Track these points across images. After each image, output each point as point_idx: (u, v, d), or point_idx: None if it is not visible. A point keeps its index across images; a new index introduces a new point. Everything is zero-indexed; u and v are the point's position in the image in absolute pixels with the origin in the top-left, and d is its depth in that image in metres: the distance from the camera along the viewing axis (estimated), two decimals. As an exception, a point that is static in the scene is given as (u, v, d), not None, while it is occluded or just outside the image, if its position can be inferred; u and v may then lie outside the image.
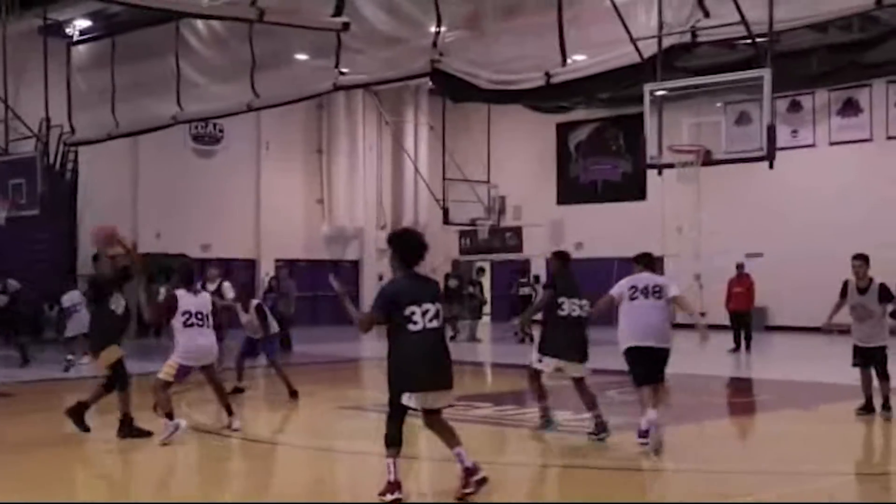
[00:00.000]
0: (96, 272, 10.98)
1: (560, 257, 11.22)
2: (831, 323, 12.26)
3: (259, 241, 32.08)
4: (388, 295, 7.50)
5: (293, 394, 13.88)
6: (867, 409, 11.85)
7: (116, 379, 10.68)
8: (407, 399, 7.43)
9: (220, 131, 30.74)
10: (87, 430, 10.71)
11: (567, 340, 10.52)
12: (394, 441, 7.54)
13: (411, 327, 7.31)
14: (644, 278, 10.32)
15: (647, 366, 10.07)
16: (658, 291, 10.10)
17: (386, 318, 7.51)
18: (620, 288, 10.36)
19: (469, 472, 7.56)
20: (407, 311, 7.32)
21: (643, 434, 9.81)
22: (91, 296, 11.42)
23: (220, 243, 30.69)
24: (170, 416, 10.39)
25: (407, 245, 7.64)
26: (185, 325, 10.49)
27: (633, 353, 10.11)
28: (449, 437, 7.72)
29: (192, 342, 10.49)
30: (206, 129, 30.34)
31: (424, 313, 7.33)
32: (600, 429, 10.47)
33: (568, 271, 11.01)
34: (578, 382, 10.72)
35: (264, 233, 32.07)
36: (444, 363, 7.52)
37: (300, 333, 23.62)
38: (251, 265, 31.76)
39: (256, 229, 32.10)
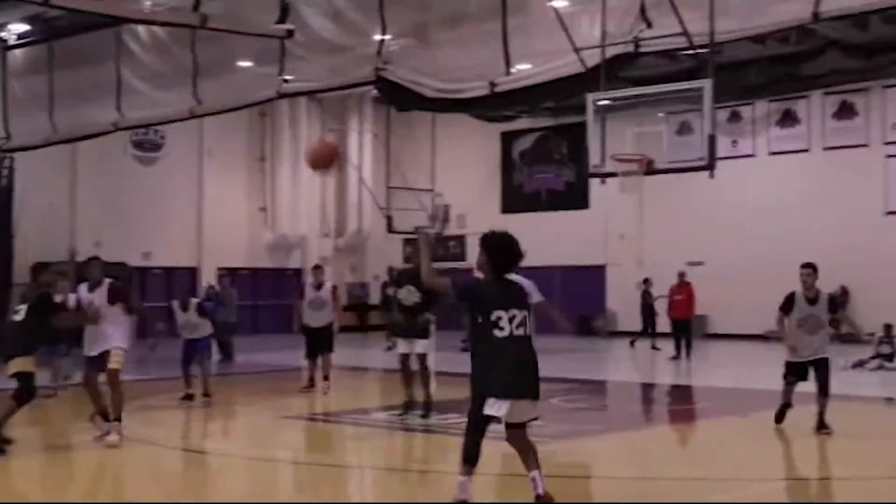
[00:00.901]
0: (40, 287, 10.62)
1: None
2: (774, 332, 12.02)
3: (201, 249, 31.76)
4: (473, 285, 7.25)
5: (207, 395, 14.28)
6: (783, 416, 11.56)
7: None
8: (490, 407, 7.03)
9: (162, 138, 30.42)
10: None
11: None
12: (469, 457, 7.18)
13: (497, 333, 6.99)
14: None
15: None
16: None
17: (457, 297, 7.26)
18: None
19: (540, 498, 7.11)
20: (493, 316, 7.01)
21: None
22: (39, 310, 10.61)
23: (161, 251, 30.37)
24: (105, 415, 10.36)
25: (501, 249, 7.25)
26: None
27: None
28: (529, 457, 7.20)
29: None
30: (147, 136, 30.00)
31: (511, 319, 7.01)
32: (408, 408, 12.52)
33: None
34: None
35: (206, 241, 31.77)
36: (531, 372, 7.14)
37: (242, 342, 23.41)
38: (192, 273, 31.44)
39: (198, 237, 31.79)
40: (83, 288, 11.12)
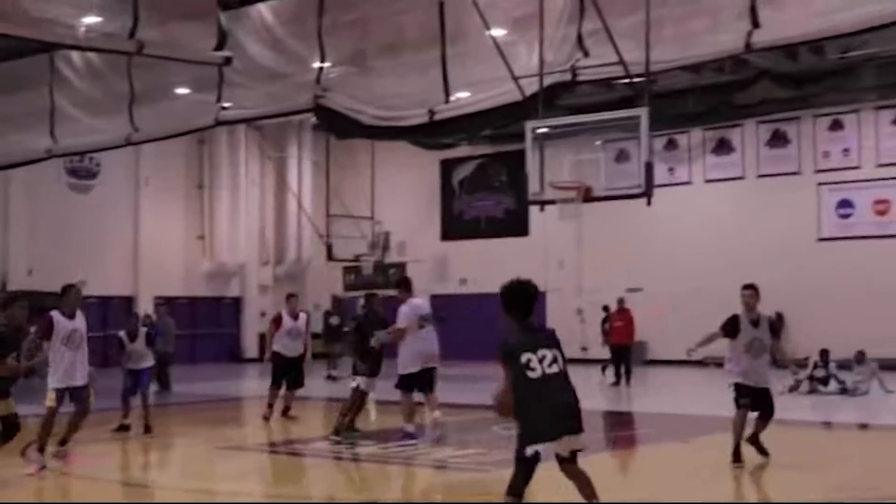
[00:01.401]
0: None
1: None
2: (697, 349, 11.47)
3: (137, 277, 31.34)
4: (508, 349, 7.21)
5: (147, 429, 13.86)
6: (739, 457, 10.88)
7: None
8: (532, 451, 7.06)
9: (97, 165, 30.04)
10: None
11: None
12: (515, 491, 7.18)
13: (530, 374, 7.03)
14: (424, 305, 13.02)
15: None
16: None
17: (512, 372, 7.20)
18: (409, 318, 12.75)
19: None
20: (523, 359, 7.05)
21: (413, 436, 12.49)
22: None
23: (97, 280, 29.82)
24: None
25: (514, 298, 7.37)
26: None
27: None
28: (585, 488, 7.28)
29: None
30: (83, 164, 29.62)
31: (542, 360, 7.04)
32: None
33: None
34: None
35: (143, 269, 31.36)
36: (569, 408, 7.14)
37: (180, 371, 23.11)
38: (129, 302, 31.00)
39: (135, 266, 31.37)
40: (59, 315, 11.12)
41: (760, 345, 11.02)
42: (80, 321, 11.07)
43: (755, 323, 11.10)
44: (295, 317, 15.92)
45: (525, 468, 7.12)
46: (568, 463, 7.21)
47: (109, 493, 10.30)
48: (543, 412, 7.02)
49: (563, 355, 7.12)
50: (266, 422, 15.30)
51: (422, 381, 13.07)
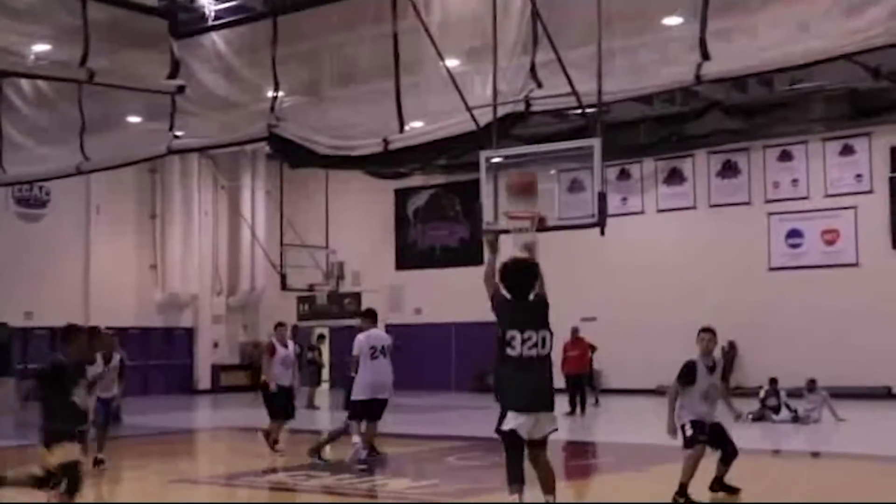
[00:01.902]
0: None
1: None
2: (672, 423, 10.68)
3: (88, 308, 30.95)
4: (501, 302, 7.76)
5: (100, 460, 13.47)
6: (685, 493, 10.36)
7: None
8: (509, 421, 7.41)
9: (47, 194, 29.72)
10: None
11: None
12: (515, 478, 7.36)
13: (509, 352, 7.39)
14: (382, 336, 13.38)
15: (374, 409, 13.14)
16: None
17: (492, 307, 7.80)
18: (361, 347, 13.08)
19: None
20: (508, 336, 7.43)
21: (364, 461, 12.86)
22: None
23: (45, 311, 29.46)
24: None
25: (512, 275, 7.86)
26: None
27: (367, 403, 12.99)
28: (547, 481, 7.66)
29: None
30: (32, 192, 29.29)
31: (525, 341, 7.39)
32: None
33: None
34: None
35: (94, 299, 30.98)
36: (540, 389, 7.51)
37: (131, 403, 22.79)
38: (79, 333, 30.58)
39: (85, 296, 30.99)
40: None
41: (715, 391, 10.62)
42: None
43: (711, 369, 10.58)
44: (285, 345, 15.69)
45: (510, 450, 7.39)
46: (538, 448, 7.51)
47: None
48: (517, 389, 7.33)
49: (550, 337, 7.54)
50: (276, 452, 15.00)
51: (370, 410, 13.21)
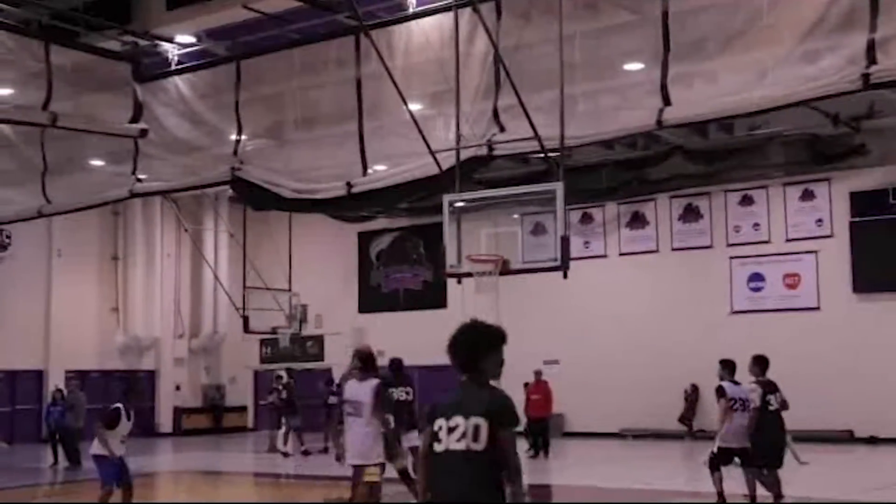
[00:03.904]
0: None
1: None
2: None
3: (48, 350, 30.61)
4: (430, 411, 5.69)
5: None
6: None
7: None
8: None
9: (8, 237, 29.47)
10: None
11: None
12: None
13: (436, 446, 5.47)
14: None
15: None
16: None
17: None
18: None
19: None
20: (435, 426, 5.51)
21: None
22: None
23: (5, 353, 29.13)
24: None
25: (451, 346, 5.72)
26: None
27: None
28: None
29: None
30: (-7, 235, 29.05)
31: (452, 430, 5.41)
32: None
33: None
34: None
35: (54, 342, 30.64)
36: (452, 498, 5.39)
37: (90, 447, 22.49)
38: (39, 376, 30.26)
39: (45, 339, 30.64)
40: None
41: None
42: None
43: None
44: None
45: None
46: None
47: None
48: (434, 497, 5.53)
49: (489, 426, 5.35)
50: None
51: None
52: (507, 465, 5.35)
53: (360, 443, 10.48)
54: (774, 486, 12.35)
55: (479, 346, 5.67)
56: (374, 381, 10.59)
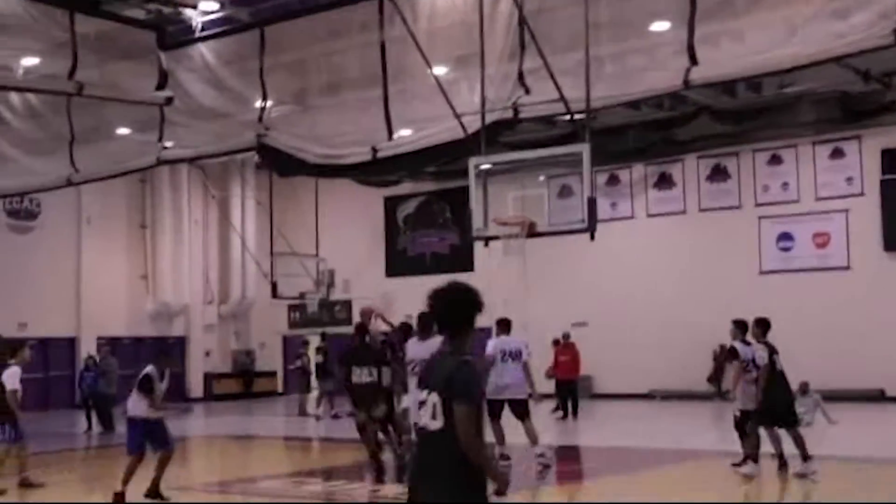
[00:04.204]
0: None
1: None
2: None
3: (80, 318, 30.92)
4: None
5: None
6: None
7: None
8: None
9: (38, 206, 29.70)
10: None
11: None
12: None
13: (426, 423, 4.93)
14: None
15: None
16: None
17: None
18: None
19: None
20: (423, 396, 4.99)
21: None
22: None
23: (38, 321, 29.46)
24: None
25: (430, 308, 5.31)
26: None
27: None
28: None
29: None
30: (22, 205, 29.27)
31: (422, 405, 4.91)
32: None
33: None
34: None
35: (85, 310, 30.96)
36: (426, 482, 4.84)
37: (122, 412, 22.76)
38: (71, 343, 30.59)
39: (77, 306, 30.96)
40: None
41: None
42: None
43: None
44: None
45: None
46: None
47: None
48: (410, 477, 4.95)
49: (449, 400, 4.75)
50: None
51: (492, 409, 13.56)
52: (462, 445, 4.66)
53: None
54: (800, 446, 12.32)
55: (471, 308, 5.18)
56: (439, 339, 10.80)
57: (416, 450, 5.05)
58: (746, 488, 12.08)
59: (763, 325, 12.92)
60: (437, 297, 5.30)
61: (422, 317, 11.19)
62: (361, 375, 13.19)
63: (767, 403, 12.48)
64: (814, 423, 19.04)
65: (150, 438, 11.57)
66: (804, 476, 12.12)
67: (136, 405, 11.69)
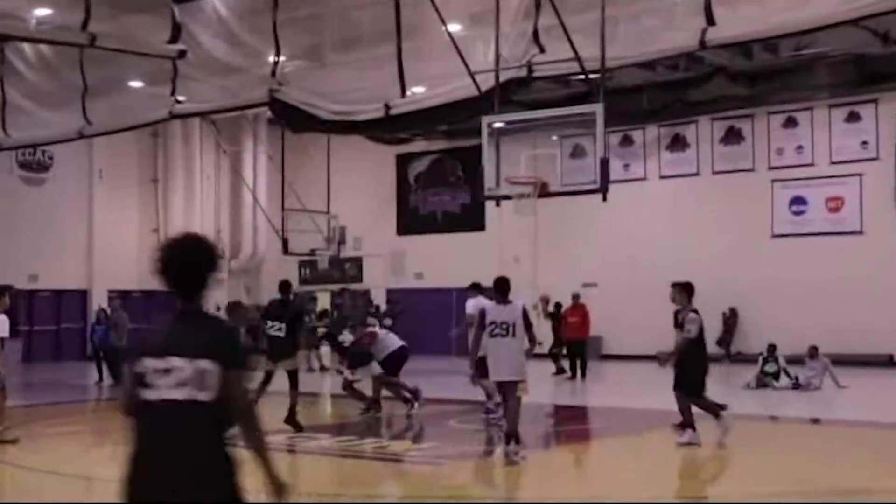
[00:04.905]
0: None
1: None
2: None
3: (91, 271, 31.06)
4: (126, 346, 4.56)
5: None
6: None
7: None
8: None
9: (50, 158, 29.73)
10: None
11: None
12: None
13: (145, 394, 4.07)
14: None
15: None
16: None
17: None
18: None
19: None
20: (140, 367, 4.14)
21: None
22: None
23: (50, 273, 29.62)
24: None
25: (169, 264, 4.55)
26: None
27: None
28: None
29: None
30: (35, 157, 29.30)
31: (167, 372, 4.05)
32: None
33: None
34: None
35: (97, 263, 31.08)
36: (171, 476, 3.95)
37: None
38: (83, 296, 30.74)
39: (88, 259, 31.09)
40: None
41: None
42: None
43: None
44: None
45: None
46: None
47: (67, 487, 10.20)
48: (131, 467, 4.02)
49: (219, 368, 4.04)
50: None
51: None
52: (238, 414, 4.12)
53: (516, 360, 11.00)
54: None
55: (208, 263, 4.46)
56: (521, 303, 11.32)
57: (156, 421, 4.01)
58: (754, 449, 12.11)
59: (689, 290, 12.44)
60: (172, 249, 4.49)
61: (498, 281, 11.34)
62: (272, 329, 13.47)
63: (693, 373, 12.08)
64: (822, 387, 19.07)
65: None
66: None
67: None
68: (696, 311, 11.87)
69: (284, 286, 14.27)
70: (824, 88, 25.02)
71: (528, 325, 11.11)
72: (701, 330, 11.85)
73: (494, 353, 11.07)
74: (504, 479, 10.62)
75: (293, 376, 13.30)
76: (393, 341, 15.12)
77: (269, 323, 13.48)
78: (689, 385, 11.82)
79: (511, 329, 10.95)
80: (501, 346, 10.94)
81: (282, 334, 13.27)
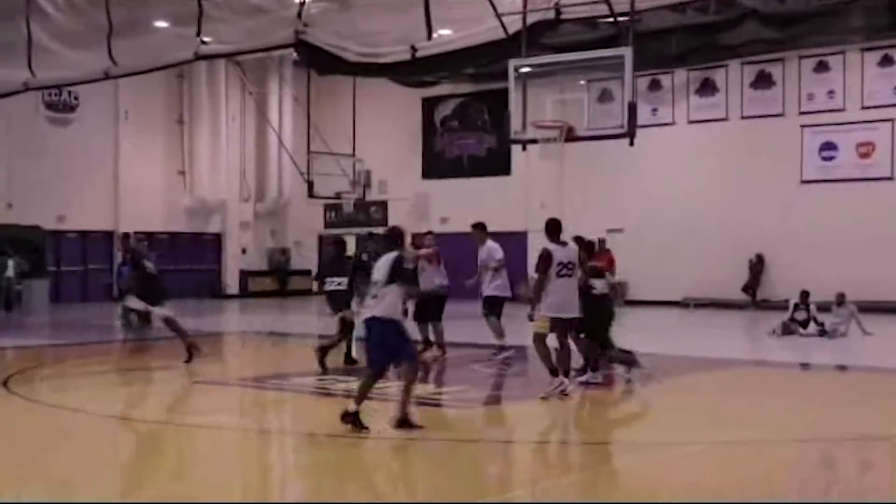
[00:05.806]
0: None
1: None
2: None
3: (117, 212, 31.22)
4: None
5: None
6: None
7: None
8: None
9: (76, 99, 29.76)
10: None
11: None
12: None
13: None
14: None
15: None
16: None
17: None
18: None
19: None
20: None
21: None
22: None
23: (76, 215, 29.81)
24: None
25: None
26: None
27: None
28: None
29: None
30: (60, 97, 29.35)
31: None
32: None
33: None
34: None
35: (123, 204, 31.24)
36: None
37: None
38: (109, 237, 30.92)
39: (115, 200, 31.23)
40: None
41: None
42: None
43: None
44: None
45: None
46: None
47: (87, 426, 10.30)
48: None
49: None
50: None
51: None
52: None
53: (577, 298, 11.56)
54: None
55: None
56: (574, 245, 11.92)
57: None
58: (781, 398, 12.08)
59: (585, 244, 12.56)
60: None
61: (553, 223, 11.81)
62: (333, 284, 14.30)
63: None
64: (848, 334, 19.00)
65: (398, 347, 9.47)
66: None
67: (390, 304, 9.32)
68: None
69: (340, 243, 15.08)
70: (857, 32, 24.66)
71: (582, 266, 11.89)
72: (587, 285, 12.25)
73: (561, 293, 11.37)
74: (527, 422, 10.63)
75: (351, 324, 14.02)
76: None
77: (330, 279, 14.34)
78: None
79: (573, 268, 11.46)
80: (568, 285, 11.41)
81: (343, 288, 14.19)
